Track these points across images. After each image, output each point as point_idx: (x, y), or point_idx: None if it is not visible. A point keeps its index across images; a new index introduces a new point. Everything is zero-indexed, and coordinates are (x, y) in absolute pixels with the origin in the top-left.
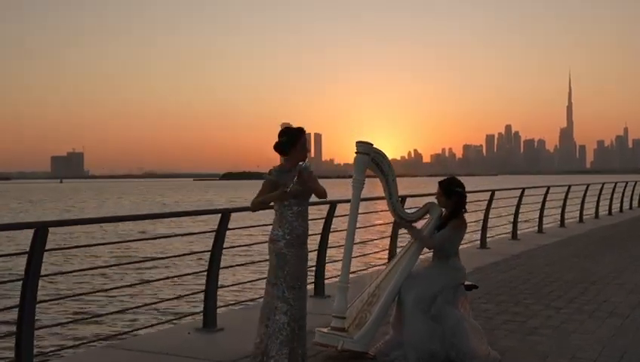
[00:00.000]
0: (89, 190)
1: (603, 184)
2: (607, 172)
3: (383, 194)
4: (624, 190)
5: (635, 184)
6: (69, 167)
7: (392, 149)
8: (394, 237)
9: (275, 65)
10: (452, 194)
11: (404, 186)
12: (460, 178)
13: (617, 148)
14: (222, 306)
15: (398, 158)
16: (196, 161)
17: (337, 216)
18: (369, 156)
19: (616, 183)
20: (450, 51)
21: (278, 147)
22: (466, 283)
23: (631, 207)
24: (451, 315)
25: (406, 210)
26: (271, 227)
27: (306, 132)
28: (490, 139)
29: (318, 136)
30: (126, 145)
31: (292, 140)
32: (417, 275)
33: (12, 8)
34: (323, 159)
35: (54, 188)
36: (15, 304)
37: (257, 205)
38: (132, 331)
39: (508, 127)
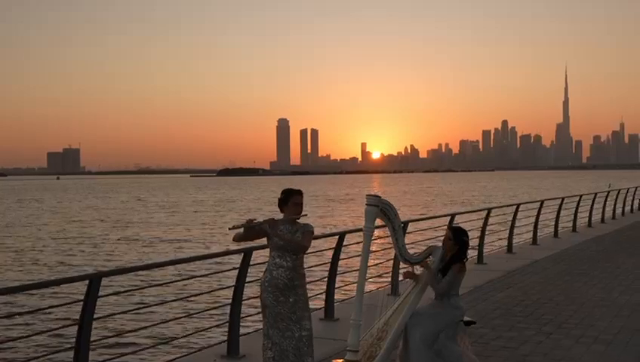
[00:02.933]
0: (82, 188)
1: (595, 194)
2: (604, 167)
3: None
4: (617, 196)
5: (628, 191)
6: (65, 163)
7: (389, 145)
8: (395, 270)
9: (272, 62)
10: (459, 241)
11: (401, 182)
12: (456, 173)
13: (613, 143)
14: (244, 334)
15: (395, 154)
16: (193, 158)
17: (346, 245)
18: (378, 207)
19: (608, 192)
20: (447, 47)
21: (278, 203)
22: (466, 318)
23: (623, 214)
24: (452, 350)
25: (410, 253)
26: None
27: (301, 194)
28: (486, 134)
29: (314, 132)
30: (122, 142)
31: (284, 200)
32: (422, 313)
33: (9, 7)
34: (320, 155)
35: (49, 186)
36: (71, 345)
37: (235, 237)
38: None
39: (504, 123)
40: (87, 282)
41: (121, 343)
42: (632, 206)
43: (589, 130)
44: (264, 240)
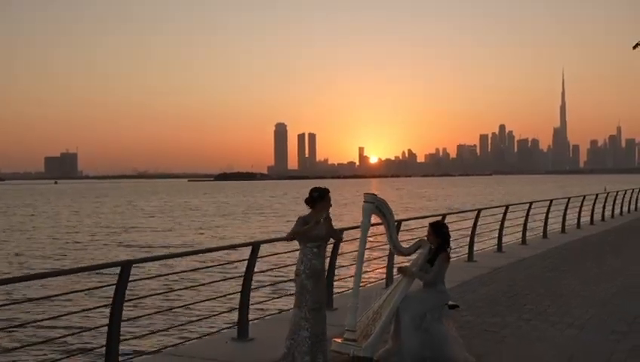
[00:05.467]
0: (76, 193)
1: (584, 196)
2: (601, 171)
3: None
4: (605, 199)
5: (617, 194)
6: (62, 167)
7: (387, 149)
8: (389, 262)
9: (269, 66)
10: (440, 234)
11: (399, 187)
12: (454, 178)
13: (610, 147)
14: (252, 319)
15: (393, 158)
16: (191, 162)
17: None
18: (374, 204)
19: (597, 194)
20: (444, 51)
21: (310, 200)
22: (450, 303)
23: (613, 216)
24: (438, 329)
25: (402, 246)
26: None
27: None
28: (484, 138)
29: (312, 137)
30: (120, 146)
31: (322, 196)
32: (411, 298)
33: (5, 8)
34: (317, 159)
35: (45, 190)
36: (104, 323)
37: (292, 236)
38: (183, 342)
39: (502, 127)
40: (118, 269)
41: (143, 324)
42: (621, 208)
43: (586, 134)
44: (271, 235)
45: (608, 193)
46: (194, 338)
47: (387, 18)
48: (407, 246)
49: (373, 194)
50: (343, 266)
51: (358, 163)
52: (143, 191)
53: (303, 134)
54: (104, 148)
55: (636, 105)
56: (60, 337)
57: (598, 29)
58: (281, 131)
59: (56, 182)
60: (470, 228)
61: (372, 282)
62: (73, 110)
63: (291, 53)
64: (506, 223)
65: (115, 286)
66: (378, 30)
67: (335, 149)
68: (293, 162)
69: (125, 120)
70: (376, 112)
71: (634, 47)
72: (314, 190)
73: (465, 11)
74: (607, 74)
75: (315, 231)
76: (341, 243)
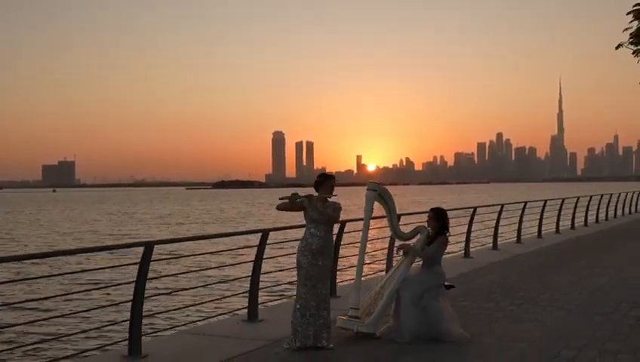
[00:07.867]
0: (69, 201)
1: (578, 197)
2: (598, 179)
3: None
4: (599, 202)
5: (611, 196)
6: (60, 175)
7: (384, 157)
8: (390, 248)
9: (267, 74)
10: (440, 218)
11: (397, 194)
12: (452, 186)
13: (608, 155)
14: (262, 303)
15: (390, 166)
16: (188, 170)
17: (346, 232)
18: (377, 192)
19: (591, 196)
20: (442, 59)
21: (314, 183)
22: (446, 283)
23: (607, 218)
24: (435, 307)
25: (402, 231)
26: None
27: (335, 179)
28: (481, 146)
29: (310, 145)
30: (118, 154)
31: (322, 181)
32: (411, 278)
33: (2, 15)
34: (315, 167)
35: (41, 199)
36: (128, 299)
37: (280, 206)
38: (198, 321)
39: (499, 135)
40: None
41: (159, 304)
42: (615, 211)
43: (583, 142)
44: (277, 222)
45: (602, 195)
46: (206, 318)
47: (385, 27)
48: (407, 231)
49: (376, 183)
50: (347, 256)
51: (355, 171)
52: (140, 199)
53: (301, 142)
54: (102, 156)
55: (633, 113)
56: (86, 310)
57: (595, 36)
58: (278, 139)
59: (54, 190)
60: (466, 226)
61: (374, 271)
62: (71, 118)
63: (289, 61)
64: (501, 223)
65: (138, 266)
66: (376, 39)
67: (333, 157)
68: (291, 170)
69: (123, 128)
70: (374, 120)
71: (616, 48)
72: (319, 175)
73: (462, 20)
74: (604, 82)
75: (309, 212)
76: (343, 235)
